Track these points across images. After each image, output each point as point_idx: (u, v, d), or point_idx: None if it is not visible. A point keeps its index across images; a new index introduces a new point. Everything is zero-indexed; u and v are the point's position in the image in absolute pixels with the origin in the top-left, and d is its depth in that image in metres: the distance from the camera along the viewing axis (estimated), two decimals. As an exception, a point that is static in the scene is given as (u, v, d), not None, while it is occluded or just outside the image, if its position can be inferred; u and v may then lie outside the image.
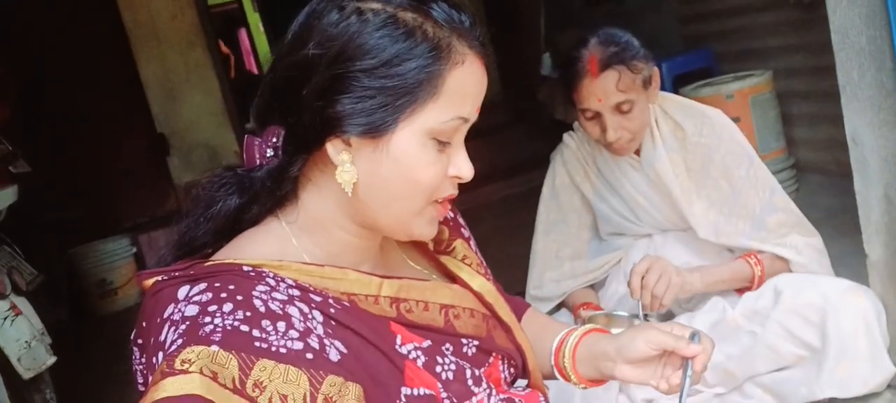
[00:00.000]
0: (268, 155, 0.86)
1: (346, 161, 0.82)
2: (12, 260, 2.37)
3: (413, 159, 0.83)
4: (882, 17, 1.52)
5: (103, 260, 4.25)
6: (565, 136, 1.91)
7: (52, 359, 2.15)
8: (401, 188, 0.84)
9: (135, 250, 4.36)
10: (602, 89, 1.62)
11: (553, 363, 1.11)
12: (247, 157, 0.87)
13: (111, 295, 4.25)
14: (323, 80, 0.80)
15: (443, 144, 0.85)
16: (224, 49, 7.53)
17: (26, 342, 2.06)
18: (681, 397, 0.98)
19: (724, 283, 1.73)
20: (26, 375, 2.08)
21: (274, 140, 0.85)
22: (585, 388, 1.11)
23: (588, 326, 1.13)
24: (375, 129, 0.81)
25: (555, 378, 1.13)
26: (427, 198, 0.87)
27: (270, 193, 0.86)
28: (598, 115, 1.66)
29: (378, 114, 0.80)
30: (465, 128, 0.87)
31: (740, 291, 1.75)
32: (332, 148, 0.82)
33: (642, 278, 1.59)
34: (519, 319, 1.18)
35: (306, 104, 0.81)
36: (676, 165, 1.75)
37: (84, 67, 4.39)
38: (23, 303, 2.17)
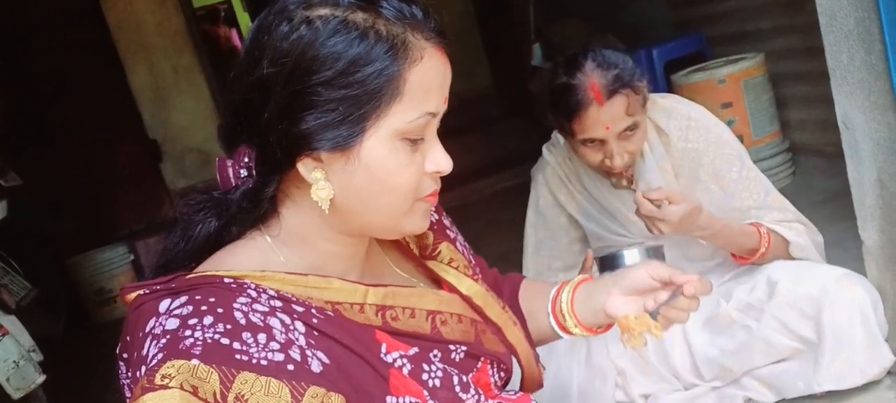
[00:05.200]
0: (242, 175, 0.84)
1: (319, 178, 0.81)
2: (4, 276, 2.35)
3: (386, 164, 0.81)
4: (869, -3, 1.50)
5: (101, 268, 4.25)
6: (544, 151, 1.83)
7: (41, 378, 2.13)
8: (380, 195, 0.83)
9: (132, 257, 4.37)
10: (610, 117, 1.52)
11: (551, 313, 1.12)
12: (221, 180, 0.85)
13: (110, 303, 4.25)
14: (282, 100, 0.78)
15: (415, 143, 0.83)
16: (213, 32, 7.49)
17: (14, 362, 2.04)
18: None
19: (732, 243, 1.66)
20: (16, 395, 2.05)
21: (246, 160, 0.83)
22: (585, 336, 1.10)
23: (582, 276, 1.16)
24: (344, 142, 0.79)
25: (556, 337, 1.13)
26: (410, 199, 0.85)
27: (248, 214, 0.85)
28: (601, 142, 1.58)
29: (344, 126, 0.79)
30: (435, 123, 0.86)
31: (738, 259, 1.71)
32: (304, 167, 0.81)
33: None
34: (516, 293, 1.19)
35: (270, 126, 0.79)
36: (666, 173, 1.70)
37: (75, 77, 4.38)
38: (11, 322, 2.15)
